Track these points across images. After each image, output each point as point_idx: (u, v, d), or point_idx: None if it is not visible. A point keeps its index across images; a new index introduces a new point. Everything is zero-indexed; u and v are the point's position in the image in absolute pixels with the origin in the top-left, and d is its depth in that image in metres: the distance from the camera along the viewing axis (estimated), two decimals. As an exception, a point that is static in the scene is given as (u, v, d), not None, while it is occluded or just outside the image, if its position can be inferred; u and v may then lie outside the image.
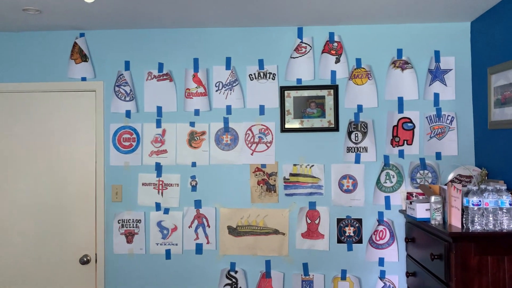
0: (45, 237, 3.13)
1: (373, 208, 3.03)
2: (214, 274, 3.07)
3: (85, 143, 3.15)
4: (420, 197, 2.91)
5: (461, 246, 2.17)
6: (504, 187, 2.22)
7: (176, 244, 3.10)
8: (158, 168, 3.12)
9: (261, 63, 3.10)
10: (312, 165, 3.06)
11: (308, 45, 3.07)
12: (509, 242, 2.16)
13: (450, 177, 2.89)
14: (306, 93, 3.06)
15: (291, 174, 3.07)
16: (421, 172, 3.00)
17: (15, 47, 3.18)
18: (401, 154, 3.02)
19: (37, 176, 3.15)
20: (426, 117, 3.02)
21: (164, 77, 3.13)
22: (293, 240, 3.05)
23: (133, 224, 3.11)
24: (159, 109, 3.13)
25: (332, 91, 3.06)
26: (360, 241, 3.02)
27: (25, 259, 3.14)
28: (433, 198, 2.48)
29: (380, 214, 3.01)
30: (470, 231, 2.20)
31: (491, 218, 2.19)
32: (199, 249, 3.09)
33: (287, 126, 3.07)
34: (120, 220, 3.12)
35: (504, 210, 2.19)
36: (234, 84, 3.10)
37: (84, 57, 3.14)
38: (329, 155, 3.05)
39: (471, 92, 3.01)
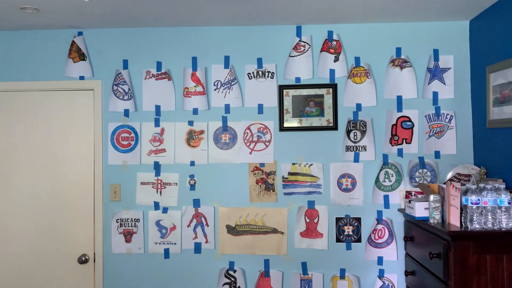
0: (43, 236, 3.13)
1: (372, 207, 3.02)
2: (213, 273, 3.07)
3: (83, 142, 3.14)
4: (419, 196, 2.91)
5: (460, 245, 2.17)
6: (503, 186, 2.22)
7: (175, 243, 3.09)
8: (157, 167, 3.11)
9: (259, 61, 3.09)
10: (311, 164, 3.05)
11: (307, 43, 3.07)
12: (508, 240, 2.15)
13: (449, 176, 2.89)
14: (304, 92, 3.06)
15: (290, 173, 3.06)
16: (420, 171, 2.99)
17: (13, 46, 3.17)
18: (400, 153, 3.02)
19: (35, 175, 3.14)
20: (425, 116, 3.02)
21: (163, 76, 3.12)
22: (292, 239, 3.05)
23: (131, 224, 3.11)
24: (157, 108, 3.13)
25: (331, 89, 3.05)
26: (359, 240, 3.02)
27: (23, 258, 3.13)
28: (432, 197, 2.48)
29: (379, 213, 3.01)
30: (469, 230, 2.19)
31: (489, 217, 2.19)
32: (197, 248, 3.08)
33: (285, 125, 3.07)
34: (118, 219, 3.11)
35: (503, 209, 2.19)
36: (233, 83, 3.09)
37: (82, 56, 3.13)
38: (328, 154, 3.05)
39: (470, 91, 3.01)
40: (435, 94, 3.01)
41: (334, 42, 3.06)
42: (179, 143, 3.11)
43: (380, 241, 2.99)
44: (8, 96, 3.17)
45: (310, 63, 3.06)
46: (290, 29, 3.09)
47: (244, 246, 3.06)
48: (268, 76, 3.09)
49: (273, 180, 3.07)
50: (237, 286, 3.04)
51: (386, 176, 3.01)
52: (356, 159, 3.03)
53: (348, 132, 3.04)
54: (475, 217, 2.20)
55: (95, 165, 3.13)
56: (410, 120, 3.02)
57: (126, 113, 3.13)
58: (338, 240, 3.03)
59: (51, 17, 2.88)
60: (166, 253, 3.09)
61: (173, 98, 3.12)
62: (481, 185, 2.24)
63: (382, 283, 2.98)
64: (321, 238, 3.03)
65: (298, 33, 3.08)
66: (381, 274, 2.99)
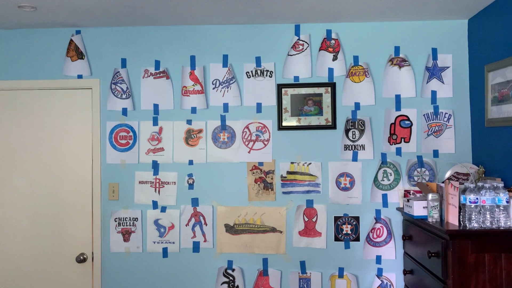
0: (42, 235, 3.12)
1: (370, 206, 3.02)
2: (211, 272, 3.07)
3: (82, 141, 3.13)
4: (418, 195, 2.91)
5: (458, 244, 2.17)
6: (501, 185, 2.22)
7: (173, 243, 3.09)
8: (155, 166, 3.11)
9: (258, 60, 3.09)
10: (310, 163, 3.05)
11: (306, 42, 3.07)
12: (506, 239, 2.16)
13: (447, 174, 2.89)
14: (303, 90, 3.06)
15: (288, 172, 3.06)
16: (419, 169, 3.00)
17: (11, 45, 3.16)
18: (398, 152, 3.02)
19: (33, 174, 3.13)
20: (424, 115, 3.02)
21: (161, 74, 3.12)
22: (291, 238, 3.05)
23: (130, 223, 3.10)
24: (155, 107, 3.12)
25: (329, 88, 3.05)
26: (357, 239, 3.02)
27: (21, 257, 3.12)
28: (430, 196, 2.48)
29: (378, 212, 3.01)
30: (467, 228, 2.20)
31: (488, 216, 2.19)
32: (196, 247, 3.08)
33: (284, 124, 3.07)
34: (116, 218, 3.10)
35: (501, 208, 2.19)
36: (231, 82, 3.09)
37: (80, 55, 3.12)
38: (327, 153, 3.05)
39: (468, 90, 3.01)
40: (434, 93, 3.01)
41: (333, 41, 3.05)
42: (177, 142, 3.11)
43: (378, 240, 2.99)
44: (6, 94, 3.16)
45: (309, 62, 3.06)
46: (289, 27, 3.08)
47: (243, 245, 3.06)
48: (266, 75, 3.09)
49: (272, 179, 3.07)
50: (236, 285, 3.04)
51: (385, 175, 3.01)
52: (355, 158, 3.03)
53: (346, 131, 3.04)
54: (473, 216, 2.20)
55: (93, 164, 3.12)
56: (408, 119, 3.02)
57: (124, 112, 3.12)
58: (336, 239, 3.03)
59: (49, 15, 2.87)
60: (165, 252, 3.09)
61: (171, 97, 3.12)
62: (480, 184, 2.25)
63: (380, 282, 2.98)
64: (319, 237, 3.02)
65: (297, 31, 3.08)
66: (379, 273, 2.99)
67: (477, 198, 2.20)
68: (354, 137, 3.03)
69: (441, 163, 2.98)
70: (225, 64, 3.10)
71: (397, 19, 3.00)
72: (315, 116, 3.06)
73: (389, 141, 3.03)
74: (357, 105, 3.04)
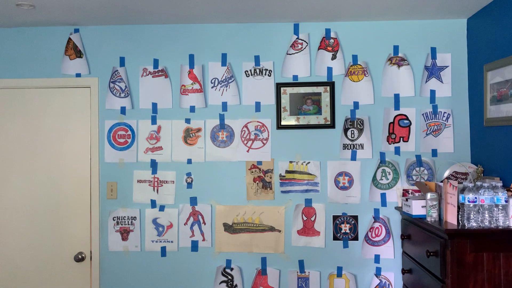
0: (40, 234, 3.11)
1: (369, 205, 3.02)
2: (210, 271, 3.07)
3: (80, 140, 3.12)
4: (416, 194, 2.91)
5: (457, 243, 2.17)
6: (500, 184, 2.22)
7: (172, 242, 3.08)
8: (154, 165, 3.10)
9: (257, 59, 3.09)
10: (308, 162, 3.05)
11: (304, 41, 3.06)
12: (505, 238, 2.16)
13: (446, 174, 2.89)
14: (302, 89, 3.05)
15: (287, 171, 3.06)
16: (417, 169, 3.00)
17: (9, 43, 3.15)
18: (397, 151, 3.02)
19: (31, 173, 3.13)
20: (422, 114, 3.02)
21: (160, 73, 3.11)
22: (289, 237, 3.05)
23: (128, 221, 3.10)
24: (154, 105, 3.11)
25: (328, 87, 3.05)
26: (356, 238, 3.02)
27: (19, 256, 3.12)
28: (429, 195, 2.48)
29: (376, 211, 3.01)
30: (466, 228, 2.20)
31: (486, 215, 2.19)
32: (194, 246, 3.08)
33: (283, 123, 3.06)
34: (115, 217, 3.10)
35: (500, 207, 2.19)
36: (230, 81, 3.08)
37: (78, 53, 3.11)
38: (325, 152, 3.05)
39: (467, 89, 3.01)
40: (433, 92, 3.01)
41: (332, 40, 3.05)
42: (176, 141, 3.10)
43: (377, 239, 2.99)
44: (3, 93, 3.15)
45: (308, 61, 3.06)
46: (288, 26, 3.08)
47: (241, 244, 3.05)
48: (265, 74, 3.08)
49: (271, 178, 3.06)
50: (234, 284, 3.04)
51: (383, 174, 3.01)
52: (353, 157, 3.03)
53: (345, 130, 3.03)
54: (472, 215, 2.20)
55: (92, 163, 3.11)
56: (407, 118, 3.02)
57: (123, 110, 3.12)
58: (335, 238, 3.03)
59: (47, 13, 2.87)
60: (163, 251, 3.08)
61: (170, 96, 3.11)
62: (478, 183, 2.25)
63: (379, 281, 2.98)
64: (318, 236, 3.02)
65: (296, 30, 3.07)
66: (378, 272, 2.99)
67: (475, 198, 2.20)
68: (353, 136, 3.03)
69: (440, 162, 2.98)
70: (224, 63, 3.09)
71: (396, 18, 3.00)
72: (314, 115, 3.05)
73: (387, 140, 3.03)
74: (356, 104, 3.04)
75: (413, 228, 2.67)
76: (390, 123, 3.03)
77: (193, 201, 3.09)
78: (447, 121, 3.00)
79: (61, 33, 3.13)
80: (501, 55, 2.57)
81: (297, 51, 3.06)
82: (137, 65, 3.13)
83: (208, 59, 3.10)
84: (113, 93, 3.11)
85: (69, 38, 3.11)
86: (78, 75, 3.13)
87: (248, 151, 3.08)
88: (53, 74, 3.14)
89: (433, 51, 3.01)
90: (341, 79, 3.05)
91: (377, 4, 2.73)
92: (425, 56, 3.02)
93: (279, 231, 3.05)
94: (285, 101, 3.06)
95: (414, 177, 3.00)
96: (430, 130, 3.01)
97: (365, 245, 3.00)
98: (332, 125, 3.04)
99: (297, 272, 3.03)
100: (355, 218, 3.03)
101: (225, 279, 3.05)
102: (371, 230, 3.00)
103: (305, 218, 3.04)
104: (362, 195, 3.03)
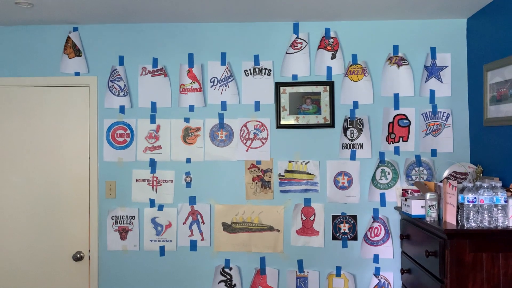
0: (38, 233, 3.10)
1: (368, 205, 3.02)
2: (209, 270, 3.06)
3: (79, 139, 3.12)
4: (416, 194, 2.91)
5: (456, 243, 2.17)
6: (499, 184, 2.22)
7: (170, 241, 3.08)
8: (152, 164, 3.10)
9: (256, 58, 3.08)
10: (308, 162, 3.04)
11: (304, 40, 3.06)
12: (504, 239, 2.16)
13: (446, 174, 2.89)
14: (301, 89, 3.05)
15: (286, 171, 3.05)
16: (417, 169, 2.99)
17: (7, 41, 3.14)
18: (396, 151, 3.01)
19: (29, 172, 3.12)
20: (422, 114, 3.01)
21: (159, 72, 3.10)
22: (288, 236, 3.04)
23: (127, 221, 3.09)
24: (153, 104, 3.11)
25: (327, 87, 3.04)
26: (355, 238, 3.02)
27: (18, 255, 3.11)
28: (428, 195, 2.48)
29: (375, 211, 3.00)
30: (465, 228, 2.19)
31: (486, 215, 2.19)
32: (193, 245, 3.07)
33: (282, 122, 3.06)
34: (114, 216, 3.09)
35: (499, 207, 2.19)
36: (229, 80, 3.08)
37: (77, 52, 3.10)
38: (325, 151, 3.04)
39: (466, 89, 3.01)
40: (432, 92, 3.00)
41: (331, 40, 3.05)
42: (175, 140, 3.10)
43: (376, 239, 2.99)
44: (2, 92, 3.14)
45: (307, 60, 3.05)
46: (287, 26, 3.07)
47: (240, 244, 3.05)
48: (265, 73, 3.08)
49: (270, 177, 3.06)
50: (233, 283, 3.03)
51: (383, 174, 3.01)
52: (353, 157, 3.02)
53: (344, 130, 3.03)
54: (471, 215, 2.20)
55: (90, 162, 3.11)
56: (407, 118, 3.02)
57: (122, 109, 3.11)
58: (334, 238, 3.03)
59: (46, 12, 2.86)
60: (162, 250, 3.08)
61: (169, 95, 3.10)
62: (478, 183, 2.24)
63: (378, 281, 2.98)
64: (317, 236, 3.02)
65: (295, 30, 3.07)
66: (377, 272, 2.99)
67: (475, 198, 2.20)
68: (352, 136, 3.02)
69: (439, 162, 2.98)
70: (223, 62, 3.09)
71: (396, 18, 2.99)
72: (313, 114, 3.05)
73: (387, 140, 3.02)
74: (356, 104, 3.03)
75: (412, 228, 2.67)
76: (389, 123, 3.02)
77: (192, 200, 3.08)
78: (446, 121, 3.00)
79: (60, 32, 3.12)
80: (501, 55, 2.56)
81: (297, 51, 3.05)
82: (136, 64, 3.12)
83: (207, 58, 3.10)
84: (112, 92, 3.10)
85: (68, 37, 3.10)
86: (77, 73, 3.12)
87: (247, 150, 3.07)
88: (51, 72, 3.13)
89: (433, 51, 3.01)
90: (341, 79, 3.05)
91: (377, 4, 2.73)
92: (424, 56, 3.02)
93: (278, 230, 3.05)
94: (284, 100, 3.06)
95: (414, 177, 2.99)
96: (429, 130, 3.00)
97: (364, 245, 3.00)
98: (331, 125, 3.03)
99: (296, 271, 3.03)
100: (354, 218, 3.02)
101: (224, 278, 3.04)
102: (370, 230, 3.00)
103: (304, 218, 3.04)
104: (361, 195, 3.02)
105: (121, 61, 3.12)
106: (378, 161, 3.02)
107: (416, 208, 2.55)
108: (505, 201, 2.19)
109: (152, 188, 3.10)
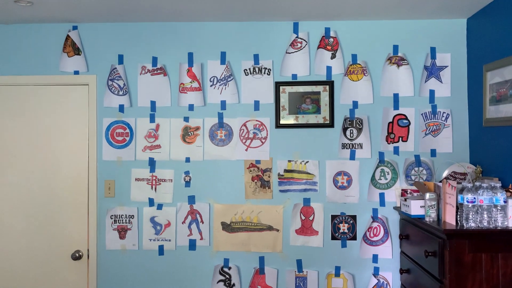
0: (37, 232, 3.10)
1: (367, 204, 3.02)
2: (208, 270, 3.06)
3: (78, 138, 3.11)
4: (415, 194, 2.91)
5: (455, 243, 2.17)
6: (498, 185, 2.22)
7: (169, 240, 3.07)
8: (152, 163, 3.09)
9: (256, 58, 3.08)
10: (307, 162, 3.04)
11: (304, 40, 3.05)
12: (503, 239, 2.16)
13: (445, 174, 2.89)
14: (301, 88, 3.05)
15: (286, 170, 3.05)
16: (416, 169, 2.99)
17: (7, 40, 3.13)
18: (396, 151, 3.01)
19: (28, 171, 3.11)
20: (422, 114, 3.01)
21: (158, 71, 3.10)
22: (287, 236, 3.04)
23: (126, 220, 3.09)
24: (152, 103, 3.10)
25: (327, 87, 3.04)
26: (354, 238, 3.02)
27: (16, 254, 3.10)
28: (427, 195, 2.48)
29: (375, 211, 3.00)
30: (465, 228, 2.19)
31: (485, 215, 2.19)
32: (192, 245, 3.07)
33: (282, 122, 3.06)
34: (112, 215, 3.09)
35: (499, 208, 2.19)
36: (229, 79, 3.07)
37: (77, 50, 3.09)
38: (324, 151, 3.04)
39: (466, 89, 3.01)
40: (432, 92, 3.00)
41: (331, 39, 3.04)
42: (174, 139, 3.09)
43: (375, 239, 2.99)
44: (1, 90, 3.13)
45: (307, 60, 3.05)
46: (287, 25, 3.07)
47: (239, 243, 3.05)
48: (264, 73, 3.07)
49: (269, 177, 3.05)
50: (232, 283, 3.03)
51: (382, 174, 3.01)
52: (352, 157, 3.02)
53: (344, 130, 3.03)
54: (470, 216, 2.20)
55: (90, 161, 3.10)
56: (406, 118, 3.02)
57: (121, 108, 3.10)
58: (333, 237, 3.03)
59: (45, 10, 2.85)
60: (161, 250, 3.07)
61: (168, 94, 3.10)
62: (477, 183, 2.24)
63: (377, 281, 2.98)
64: (316, 236, 3.02)
65: (295, 29, 3.06)
66: (376, 272, 2.99)
67: (474, 198, 2.19)
68: (351, 135, 3.02)
69: (439, 162, 2.98)
70: (223, 61, 3.08)
71: (396, 17, 2.99)
72: (313, 114, 3.05)
73: (386, 140, 3.02)
74: (355, 104, 3.03)
75: (411, 228, 2.67)
76: (389, 123, 3.02)
77: (191, 199, 3.08)
78: (446, 121, 3.00)
79: (59, 30, 3.11)
80: (501, 55, 2.56)
81: (297, 50, 3.05)
82: (135, 63, 3.11)
83: (207, 58, 3.09)
84: (111, 90, 3.09)
85: (67, 35, 3.10)
86: (76, 72, 3.11)
87: (246, 150, 3.07)
88: (51, 71, 3.12)
89: (433, 51, 3.01)
90: (341, 78, 3.05)
91: (377, 4, 2.72)
92: (424, 56, 3.02)
93: (277, 230, 3.04)
94: (284, 100, 3.06)
95: (413, 177, 2.99)
96: (429, 130, 3.00)
97: (363, 245, 3.00)
98: (331, 125, 3.03)
99: (295, 271, 3.03)
100: (354, 217, 3.02)
101: (222, 278, 3.04)
102: (370, 229, 3.00)
103: (303, 218, 3.04)
104: (360, 195, 3.02)
105: (120, 60, 3.11)
106: (378, 161, 3.02)
107: (415, 208, 2.55)
108: (505, 202, 2.19)
109: (151, 187, 3.09)
